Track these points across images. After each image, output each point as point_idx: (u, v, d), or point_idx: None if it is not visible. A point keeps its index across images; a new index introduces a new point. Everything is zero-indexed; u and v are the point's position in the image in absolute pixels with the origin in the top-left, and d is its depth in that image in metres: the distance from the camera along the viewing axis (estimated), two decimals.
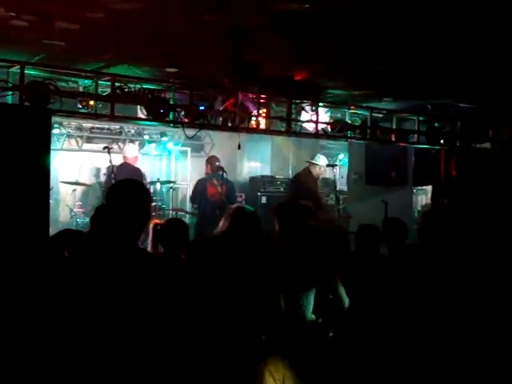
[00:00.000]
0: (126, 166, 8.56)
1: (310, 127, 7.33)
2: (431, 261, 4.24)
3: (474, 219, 7.47)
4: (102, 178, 9.38)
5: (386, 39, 5.19)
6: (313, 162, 8.61)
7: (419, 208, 11.45)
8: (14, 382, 3.01)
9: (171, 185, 10.32)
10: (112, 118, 5.94)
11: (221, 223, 3.87)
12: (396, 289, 4.31)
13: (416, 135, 8.07)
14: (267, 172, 11.18)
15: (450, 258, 4.26)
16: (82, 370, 2.40)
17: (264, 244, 3.91)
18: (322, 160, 8.64)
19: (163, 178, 10.45)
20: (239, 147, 6.72)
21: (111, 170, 7.88)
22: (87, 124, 9.68)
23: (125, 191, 2.63)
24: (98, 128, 9.90)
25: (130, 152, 8.87)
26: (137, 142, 10.18)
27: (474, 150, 8.46)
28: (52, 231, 5.18)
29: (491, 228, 7.27)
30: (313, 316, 3.84)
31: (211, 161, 8.82)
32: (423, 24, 4.70)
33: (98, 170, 9.87)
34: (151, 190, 9.51)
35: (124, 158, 8.77)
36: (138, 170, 8.74)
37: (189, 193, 9.79)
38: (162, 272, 2.64)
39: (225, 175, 8.14)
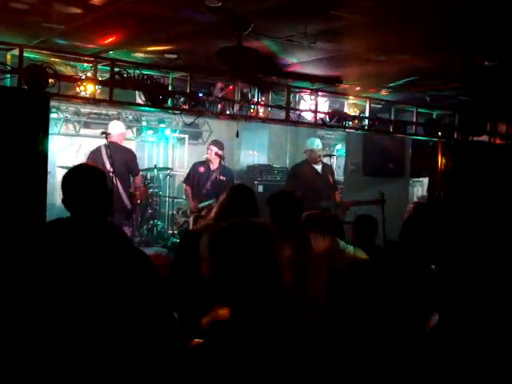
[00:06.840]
0: (113, 148, 7.47)
1: (309, 116, 7.33)
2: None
3: (469, 212, 7.50)
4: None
5: (388, 29, 5.17)
6: (309, 148, 8.33)
7: (415, 199, 11.47)
8: None
9: (168, 171, 10.35)
10: (110, 103, 5.92)
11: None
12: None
13: (414, 127, 8.08)
14: (264, 161, 11.19)
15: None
16: (58, 354, 2.41)
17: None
18: (317, 142, 8.36)
19: (160, 165, 10.47)
20: (237, 135, 6.70)
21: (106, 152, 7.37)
22: (85, 109, 9.66)
23: (74, 177, 2.64)
24: (95, 113, 9.89)
25: (114, 129, 7.79)
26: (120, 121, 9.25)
27: (471, 143, 8.48)
28: (49, 216, 5.18)
29: (486, 220, 7.29)
30: None
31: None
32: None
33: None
34: (148, 177, 9.54)
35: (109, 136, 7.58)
36: (129, 150, 8.07)
37: None
38: (133, 249, 2.71)
39: (222, 162, 8.08)
